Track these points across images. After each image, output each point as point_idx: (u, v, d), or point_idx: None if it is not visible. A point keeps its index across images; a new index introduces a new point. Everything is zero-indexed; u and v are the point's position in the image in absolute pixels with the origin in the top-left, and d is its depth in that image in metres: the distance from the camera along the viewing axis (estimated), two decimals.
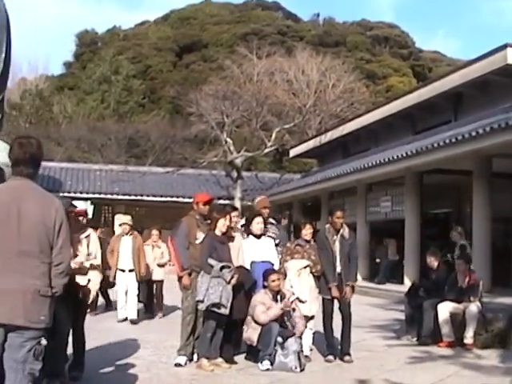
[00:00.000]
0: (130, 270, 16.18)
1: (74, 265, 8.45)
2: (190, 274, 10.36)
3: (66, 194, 38.72)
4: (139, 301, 16.79)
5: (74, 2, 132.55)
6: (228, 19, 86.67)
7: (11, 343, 5.37)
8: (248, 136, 49.22)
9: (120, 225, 16.99)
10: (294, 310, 10.55)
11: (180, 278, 10.52)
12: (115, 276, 16.30)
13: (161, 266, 17.76)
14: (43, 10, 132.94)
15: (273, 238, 11.62)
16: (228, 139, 42.62)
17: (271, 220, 12.23)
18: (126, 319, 16.04)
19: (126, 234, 16.34)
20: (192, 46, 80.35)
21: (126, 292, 16.23)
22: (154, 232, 18.06)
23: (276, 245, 11.50)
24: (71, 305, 8.26)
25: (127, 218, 16.83)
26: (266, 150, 44.15)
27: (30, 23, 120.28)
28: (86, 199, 37.29)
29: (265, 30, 79.37)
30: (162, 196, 41.11)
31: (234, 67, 52.90)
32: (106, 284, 16.07)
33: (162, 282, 17.74)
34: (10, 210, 5.42)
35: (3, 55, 28.87)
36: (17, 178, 5.66)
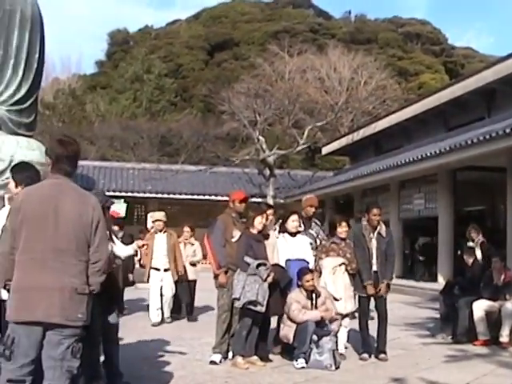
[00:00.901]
0: (166, 270, 15.43)
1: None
2: (226, 272, 10.40)
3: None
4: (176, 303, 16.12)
5: (106, 2, 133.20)
6: (259, 17, 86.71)
7: (49, 340, 5.43)
8: (280, 134, 49.19)
9: (153, 221, 16.08)
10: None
11: (216, 276, 10.56)
12: (149, 276, 15.49)
13: (193, 264, 16.79)
14: (75, 9, 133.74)
15: (314, 237, 11.63)
16: (260, 137, 42.65)
17: (316, 220, 12.22)
18: (161, 322, 15.25)
19: (160, 231, 15.57)
20: (224, 45, 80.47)
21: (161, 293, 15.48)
22: (186, 229, 17.12)
23: (316, 246, 11.49)
24: (106, 302, 8.32)
25: (161, 215, 15.91)
26: (299, 148, 44.16)
27: (63, 23, 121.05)
28: (118, 198, 37.51)
29: (296, 28, 79.31)
30: (194, 194, 41.24)
31: (266, 65, 52.93)
32: (124, 283, 15.67)
33: (194, 281, 16.82)
34: (48, 208, 5.48)
35: (37, 55, 29.17)
36: (55, 176, 5.70)
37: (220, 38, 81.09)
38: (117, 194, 38.78)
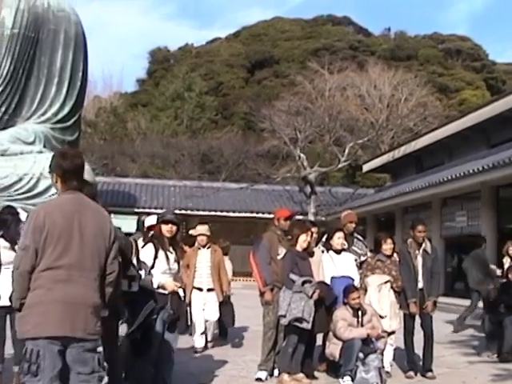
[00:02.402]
0: (209, 289, 13.93)
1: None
2: (271, 290, 10.44)
3: (140, 210, 39.25)
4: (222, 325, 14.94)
5: (147, 21, 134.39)
6: (299, 35, 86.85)
7: (75, 359, 5.44)
8: (321, 151, 49.25)
9: (196, 236, 14.38)
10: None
11: (262, 294, 10.60)
12: (190, 296, 13.81)
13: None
14: (117, 28, 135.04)
15: (358, 253, 11.63)
16: (301, 154, 42.72)
17: (357, 236, 12.19)
18: (205, 347, 13.85)
19: (204, 246, 14.07)
20: (264, 62, 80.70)
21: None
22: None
23: (361, 262, 11.49)
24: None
25: (204, 228, 14.36)
26: (339, 165, 44.16)
27: (105, 42, 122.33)
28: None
29: (336, 45, 79.38)
30: (235, 211, 41.34)
31: (306, 83, 53.08)
32: None
33: (228, 304, 15.02)
34: (72, 224, 5.50)
35: (80, 74, 29.52)
36: (69, 192, 5.74)
37: (260, 55, 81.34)
38: (158, 211, 38.97)
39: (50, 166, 5.82)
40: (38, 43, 27.58)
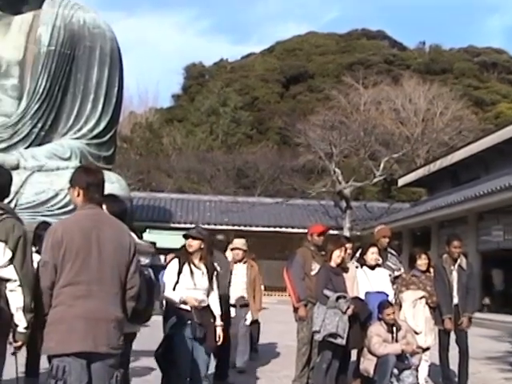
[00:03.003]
0: (242, 305, 13.15)
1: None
2: (305, 305, 10.44)
3: (175, 225, 39.43)
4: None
5: (182, 37, 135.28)
6: (333, 49, 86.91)
7: (99, 375, 5.44)
8: (356, 166, 49.14)
9: (232, 249, 13.59)
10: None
11: (296, 309, 10.60)
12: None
13: None
14: (152, 44, 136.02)
15: (392, 269, 11.57)
16: (336, 169, 42.65)
17: (391, 250, 12.09)
18: (233, 367, 12.56)
19: (239, 260, 13.41)
20: (298, 77, 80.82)
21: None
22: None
23: (395, 277, 11.42)
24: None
25: (241, 242, 13.78)
26: (375, 180, 44.05)
27: (140, 58, 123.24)
28: None
29: (371, 59, 79.31)
30: (270, 226, 41.37)
31: (341, 97, 53.05)
32: None
33: (256, 321, 14.54)
34: (90, 239, 5.51)
35: (116, 90, 29.75)
36: (89, 206, 5.76)
37: (295, 70, 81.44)
38: (193, 226, 39.08)
39: (71, 181, 5.87)
40: (74, 60, 27.83)
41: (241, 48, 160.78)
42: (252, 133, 72.51)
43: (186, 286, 8.44)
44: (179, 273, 8.52)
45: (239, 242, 13.77)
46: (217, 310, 8.67)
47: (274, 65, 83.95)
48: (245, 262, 13.54)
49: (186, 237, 8.87)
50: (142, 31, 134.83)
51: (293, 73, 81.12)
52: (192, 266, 8.57)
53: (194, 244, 8.68)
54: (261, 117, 75.00)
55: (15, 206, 22.82)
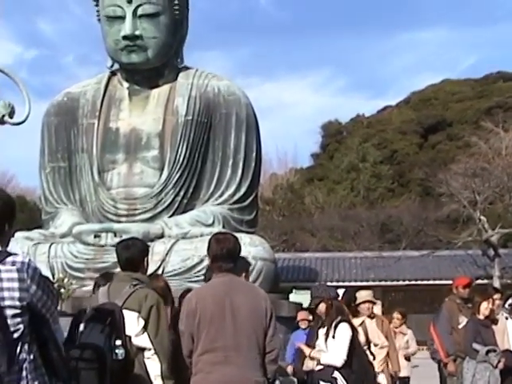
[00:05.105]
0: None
1: None
2: (454, 360, 10.20)
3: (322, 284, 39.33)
4: None
5: (317, 97, 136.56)
6: (470, 95, 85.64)
7: None
8: (502, 212, 47.91)
9: (360, 304, 12.11)
10: None
11: (445, 365, 10.36)
12: None
13: (407, 358, 14.03)
14: (288, 107, 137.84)
15: None
16: (481, 217, 41.71)
17: None
18: None
19: (369, 316, 12.00)
20: (436, 126, 79.94)
21: None
22: (396, 315, 14.78)
23: None
24: None
25: (368, 294, 12.44)
26: None
27: (276, 120, 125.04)
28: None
29: (509, 102, 77.62)
30: (417, 280, 40.75)
31: (481, 143, 52.01)
32: None
33: (408, 378, 13.91)
34: (224, 307, 5.62)
35: (254, 154, 30.12)
36: (221, 274, 5.85)
37: (432, 119, 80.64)
38: (340, 284, 38.93)
39: (207, 249, 6.05)
40: (211, 128, 28.40)
41: (376, 102, 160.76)
42: (393, 186, 71.99)
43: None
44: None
45: (367, 294, 12.45)
46: None
47: (411, 116, 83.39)
48: (373, 317, 12.22)
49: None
50: (279, 94, 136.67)
51: (430, 122, 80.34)
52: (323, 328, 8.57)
53: (321, 306, 8.72)
54: (401, 169, 74.44)
55: (162, 273, 23.33)
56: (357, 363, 8.38)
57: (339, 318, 8.48)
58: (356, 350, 8.53)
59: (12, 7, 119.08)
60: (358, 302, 12.09)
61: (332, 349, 8.27)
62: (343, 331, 8.29)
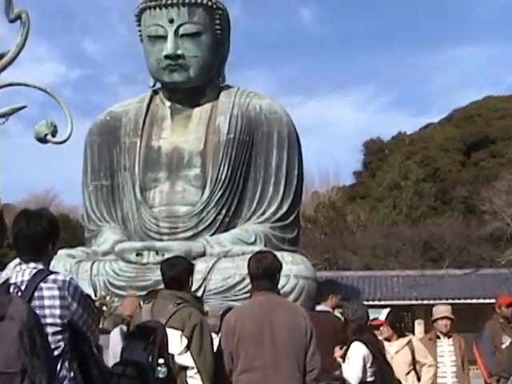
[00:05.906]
0: None
1: None
2: (498, 381, 10.10)
3: (364, 303, 39.12)
4: None
5: (359, 115, 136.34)
6: None
7: None
8: None
9: (436, 320, 11.64)
10: None
11: None
12: None
13: None
14: (330, 125, 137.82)
15: None
16: None
17: None
18: None
19: (445, 334, 11.38)
20: (479, 143, 79.25)
21: None
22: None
23: None
24: None
25: (446, 309, 11.78)
26: None
27: (319, 138, 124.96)
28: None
29: None
30: (461, 298, 40.33)
31: None
32: None
33: None
34: (263, 326, 5.63)
35: (296, 172, 30.15)
36: (261, 293, 5.85)
37: (475, 137, 79.96)
38: (382, 302, 38.70)
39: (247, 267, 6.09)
40: (253, 146, 28.48)
41: (418, 119, 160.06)
42: (436, 204, 71.41)
43: None
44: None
45: (446, 310, 11.83)
46: None
47: (453, 133, 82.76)
48: (450, 336, 11.58)
49: None
50: (321, 112, 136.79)
51: (473, 140, 79.69)
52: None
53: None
54: (443, 187, 73.87)
55: (204, 292, 23.40)
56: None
57: (353, 337, 8.54)
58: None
59: (56, 27, 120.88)
60: (434, 317, 11.87)
61: (346, 368, 8.33)
62: (355, 350, 8.35)
